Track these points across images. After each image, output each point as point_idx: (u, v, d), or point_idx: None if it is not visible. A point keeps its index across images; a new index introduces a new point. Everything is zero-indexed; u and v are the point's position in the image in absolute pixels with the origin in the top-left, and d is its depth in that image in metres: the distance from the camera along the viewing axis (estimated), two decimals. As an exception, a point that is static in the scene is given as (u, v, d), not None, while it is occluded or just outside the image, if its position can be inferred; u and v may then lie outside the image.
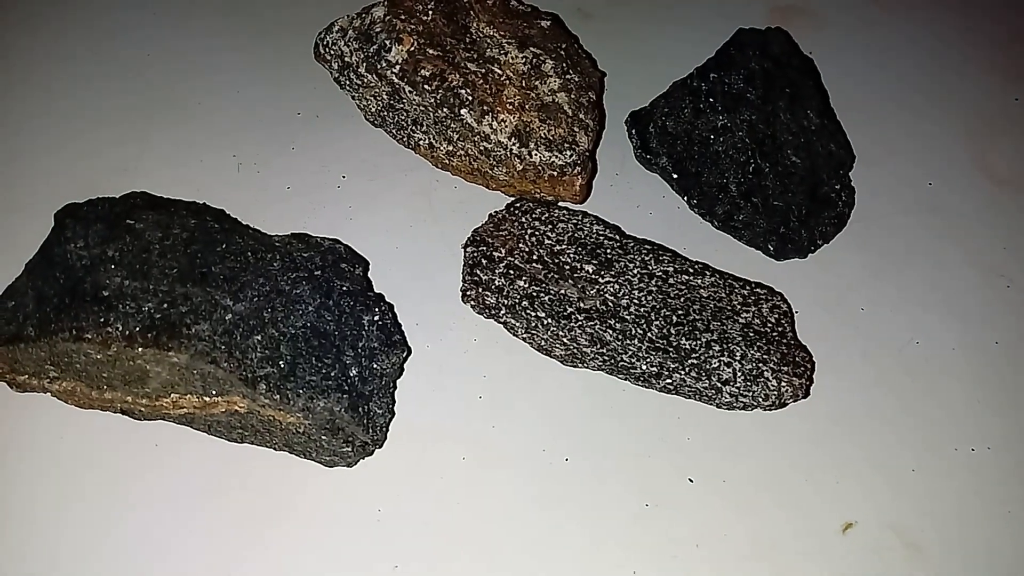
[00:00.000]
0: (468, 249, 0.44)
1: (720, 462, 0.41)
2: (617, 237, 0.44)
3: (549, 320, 0.41)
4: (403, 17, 0.47)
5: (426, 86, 0.45)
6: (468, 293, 0.43)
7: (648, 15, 0.60)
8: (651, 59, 0.56)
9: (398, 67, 0.46)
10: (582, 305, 0.41)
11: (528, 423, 0.42)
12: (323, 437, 0.38)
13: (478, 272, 0.43)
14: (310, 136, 0.52)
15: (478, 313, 0.43)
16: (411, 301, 0.45)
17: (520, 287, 0.42)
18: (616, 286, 0.42)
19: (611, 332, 0.40)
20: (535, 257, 0.43)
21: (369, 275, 0.44)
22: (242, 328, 0.38)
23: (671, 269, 0.43)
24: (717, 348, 0.40)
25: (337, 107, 0.52)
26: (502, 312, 0.42)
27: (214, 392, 0.38)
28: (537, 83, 0.47)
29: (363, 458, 0.40)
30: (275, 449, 0.40)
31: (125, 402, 0.40)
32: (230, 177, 0.50)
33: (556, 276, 0.42)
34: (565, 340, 0.41)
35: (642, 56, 0.57)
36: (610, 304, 0.41)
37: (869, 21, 0.61)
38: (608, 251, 0.43)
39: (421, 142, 0.48)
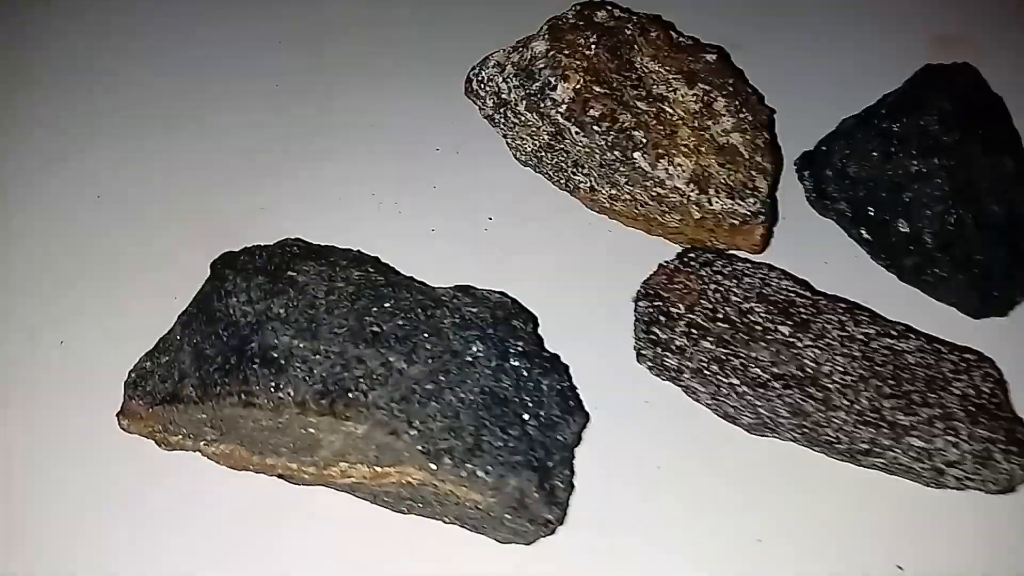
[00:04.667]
0: (640, 304, 0.40)
1: (933, 548, 0.37)
2: (808, 294, 0.40)
3: (744, 387, 0.37)
4: (567, 52, 0.44)
5: (595, 127, 0.42)
6: (644, 353, 0.40)
7: (798, 44, 0.56)
8: (805, 93, 0.53)
9: (564, 106, 0.43)
10: (776, 371, 0.37)
11: (713, 497, 0.39)
12: (506, 515, 0.35)
13: (655, 330, 0.39)
14: (453, 175, 0.49)
15: (655, 375, 0.40)
16: (576, 360, 0.41)
17: (706, 348, 0.38)
18: (816, 351, 0.38)
19: (812, 402, 0.37)
20: (720, 315, 0.39)
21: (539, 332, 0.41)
22: (419, 394, 0.35)
23: (872, 331, 0.39)
24: (940, 425, 0.36)
25: (478, 144, 0.49)
26: (684, 375, 0.39)
27: (387, 462, 0.35)
28: (710, 123, 0.43)
29: (542, 537, 0.37)
30: (444, 522, 0.37)
31: (289, 468, 0.37)
32: (371, 216, 0.47)
33: (746, 338, 0.38)
34: (761, 410, 0.37)
35: (796, 90, 0.53)
36: (809, 371, 0.37)
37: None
38: (802, 310, 0.39)
39: (582, 184, 0.45)
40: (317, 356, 0.35)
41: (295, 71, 0.54)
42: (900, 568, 0.37)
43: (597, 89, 0.43)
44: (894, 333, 0.39)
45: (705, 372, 0.38)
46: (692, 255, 0.42)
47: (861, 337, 0.39)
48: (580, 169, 0.45)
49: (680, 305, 0.40)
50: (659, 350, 0.39)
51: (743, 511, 0.38)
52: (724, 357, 0.38)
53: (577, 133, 0.43)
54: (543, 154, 0.45)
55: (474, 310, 0.39)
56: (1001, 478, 0.36)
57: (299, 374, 0.35)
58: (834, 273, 0.45)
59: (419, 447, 0.34)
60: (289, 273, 0.38)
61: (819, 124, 0.48)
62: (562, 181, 0.46)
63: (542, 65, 0.44)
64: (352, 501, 0.38)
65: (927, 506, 0.38)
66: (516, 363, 0.37)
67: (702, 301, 0.40)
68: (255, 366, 0.35)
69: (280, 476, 0.38)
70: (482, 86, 0.45)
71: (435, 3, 0.55)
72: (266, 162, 0.50)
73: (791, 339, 0.38)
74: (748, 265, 0.41)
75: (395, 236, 0.46)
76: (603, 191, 0.44)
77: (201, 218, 0.47)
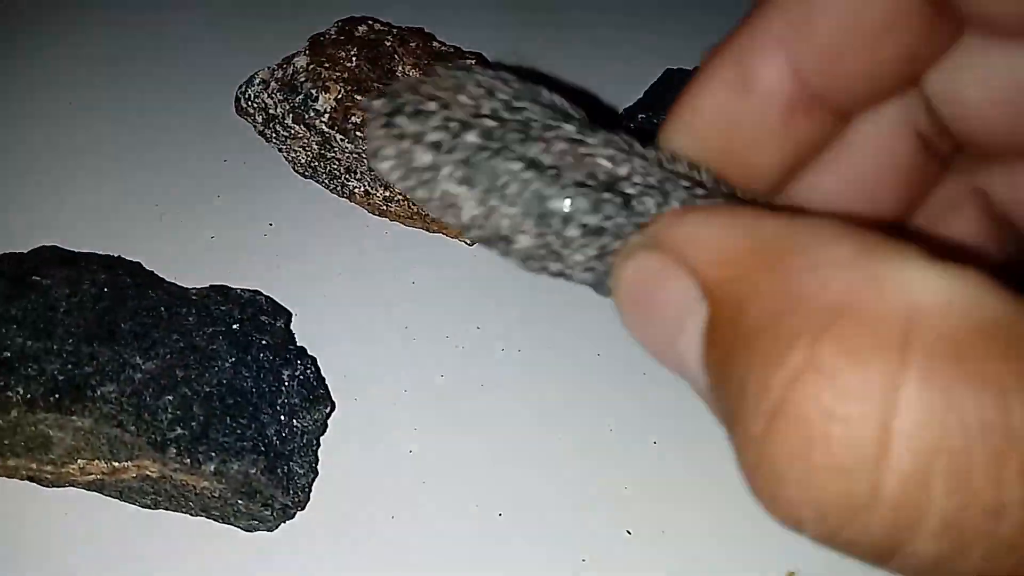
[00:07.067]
0: (376, 104, 0.24)
1: (658, 514, 0.40)
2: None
3: (520, 217, 0.23)
4: (327, 65, 0.46)
5: (358, 133, 0.45)
6: (384, 152, 0.24)
7: (583, 55, 0.60)
8: (584, 98, 0.56)
9: (327, 116, 0.45)
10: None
11: (460, 478, 0.40)
12: (240, 501, 0.36)
13: (399, 121, 0.24)
14: (236, 186, 0.50)
15: (398, 180, 0.24)
16: (338, 353, 0.43)
17: (470, 143, 0.24)
18: (611, 152, 0.24)
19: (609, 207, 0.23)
20: (485, 111, 0.24)
21: (293, 327, 0.42)
22: (152, 388, 0.36)
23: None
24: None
25: (263, 157, 0.51)
26: (445, 168, 0.24)
27: (123, 457, 0.36)
28: (467, 126, 0.46)
29: (284, 521, 0.38)
30: (192, 515, 0.38)
31: (30, 469, 0.37)
32: (152, 229, 0.48)
33: (521, 135, 0.24)
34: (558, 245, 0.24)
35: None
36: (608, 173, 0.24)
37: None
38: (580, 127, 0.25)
39: (356, 190, 0.47)
40: (50, 355, 0.36)
41: (88, 90, 0.55)
42: (629, 533, 0.39)
43: (359, 98, 0.45)
44: None
45: (472, 160, 0.24)
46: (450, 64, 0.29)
47: None
48: (353, 175, 0.47)
49: (431, 104, 0.24)
50: (409, 143, 0.24)
51: (486, 489, 0.40)
52: (495, 149, 0.24)
53: (342, 140, 0.45)
54: (317, 164, 0.47)
55: (224, 308, 0.40)
56: None
57: (30, 372, 0.36)
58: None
59: (147, 439, 0.35)
60: (34, 277, 0.39)
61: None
62: (338, 188, 0.48)
63: (303, 79, 0.46)
64: (101, 499, 0.39)
65: (656, 477, 0.41)
66: (258, 356, 0.39)
67: (460, 98, 0.24)
68: (-16, 367, 0.36)
69: (29, 479, 0.39)
70: (250, 103, 0.47)
71: (207, 24, 0.57)
72: (52, 176, 0.50)
73: (579, 136, 0.24)
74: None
75: (175, 244, 0.47)
76: (377, 194, 0.47)
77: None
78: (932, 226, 0.26)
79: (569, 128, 0.24)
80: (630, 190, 0.24)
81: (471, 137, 0.24)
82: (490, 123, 0.24)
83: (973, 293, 0.14)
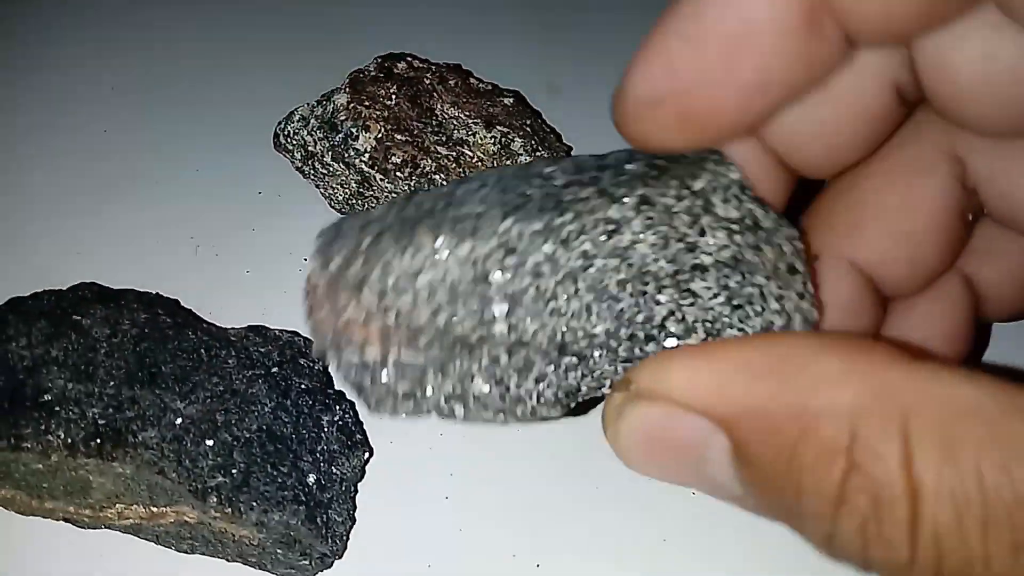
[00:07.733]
0: (333, 365, 0.27)
1: (697, 566, 0.40)
2: (494, 223, 0.25)
3: (501, 414, 0.26)
4: (367, 103, 0.46)
5: (398, 173, 0.44)
6: (380, 409, 0.27)
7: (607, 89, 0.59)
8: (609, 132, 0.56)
9: (367, 155, 0.45)
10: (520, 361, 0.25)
11: (497, 526, 0.40)
12: (278, 550, 0.36)
13: (369, 398, 0.26)
14: (271, 218, 0.50)
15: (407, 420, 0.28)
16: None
17: (431, 389, 0.26)
18: (546, 328, 0.25)
19: (573, 374, 0.26)
20: (422, 342, 0.25)
21: (330, 370, 0.42)
22: (193, 433, 0.36)
23: (587, 248, 0.25)
24: (701, 334, 0.26)
25: (299, 191, 0.51)
26: (436, 417, 0.27)
27: (162, 502, 0.36)
28: (508, 162, 0.46)
29: (322, 570, 0.38)
30: (228, 560, 0.38)
31: (67, 512, 0.37)
32: (186, 262, 0.48)
33: (463, 350, 0.25)
34: (537, 418, 0.27)
35: (611, 127, 0.56)
36: (559, 342, 0.25)
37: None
38: (503, 267, 0.24)
39: (388, 227, 0.47)
40: (91, 398, 0.36)
41: (124, 122, 0.55)
42: None
43: (398, 137, 0.45)
44: (606, 220, 0.25)
45: (445, 413, 0.26)
46: (322, 247, 0.28)
47: (578, 264, 0.24)
48: (386, 213, 0.46)
49: (374, 346, 0.26)
50: (394, 406, 0.27)
51: (524, 537, 0.40)
52: (454, 394, 0.26)
53: (382, 180, 0.45)
54: (355, 201, 0.47)
55: (263, 350, 0.40)
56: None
57: (71, 416, 0.35)
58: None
59: (187, 486, 0.35)
60: (74, 317, 0.39)
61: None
62: (371, 224, 0.48)
63: (343, 117, 0.46)
64: (137, 542, 0.38)
65: (695, 527, 0.41)
66: (298, 400, 0.39)
67: (387, 330, 0.25)
68: (26, 409, 0.35)
69: (65, 520, 0.38)
70: (289, 140, 0.47)
71: (247, 59, 0.57)
72: (85, 206, 0.50)
73: (510, 334, 0.25)
74: (386, 245, 0.25)
75: (209, 278, 0.47)
76: (408, 233, 0.46)
77: (11, 264, 0.47)
78: (904, 178, 0.28)
79: (500, 331, 0.25)
80: (584, 351, 0.26)
81: (429, 380, 0.26)
82: (437, 354, 0.25)
83: (947, 387, 0.18)
